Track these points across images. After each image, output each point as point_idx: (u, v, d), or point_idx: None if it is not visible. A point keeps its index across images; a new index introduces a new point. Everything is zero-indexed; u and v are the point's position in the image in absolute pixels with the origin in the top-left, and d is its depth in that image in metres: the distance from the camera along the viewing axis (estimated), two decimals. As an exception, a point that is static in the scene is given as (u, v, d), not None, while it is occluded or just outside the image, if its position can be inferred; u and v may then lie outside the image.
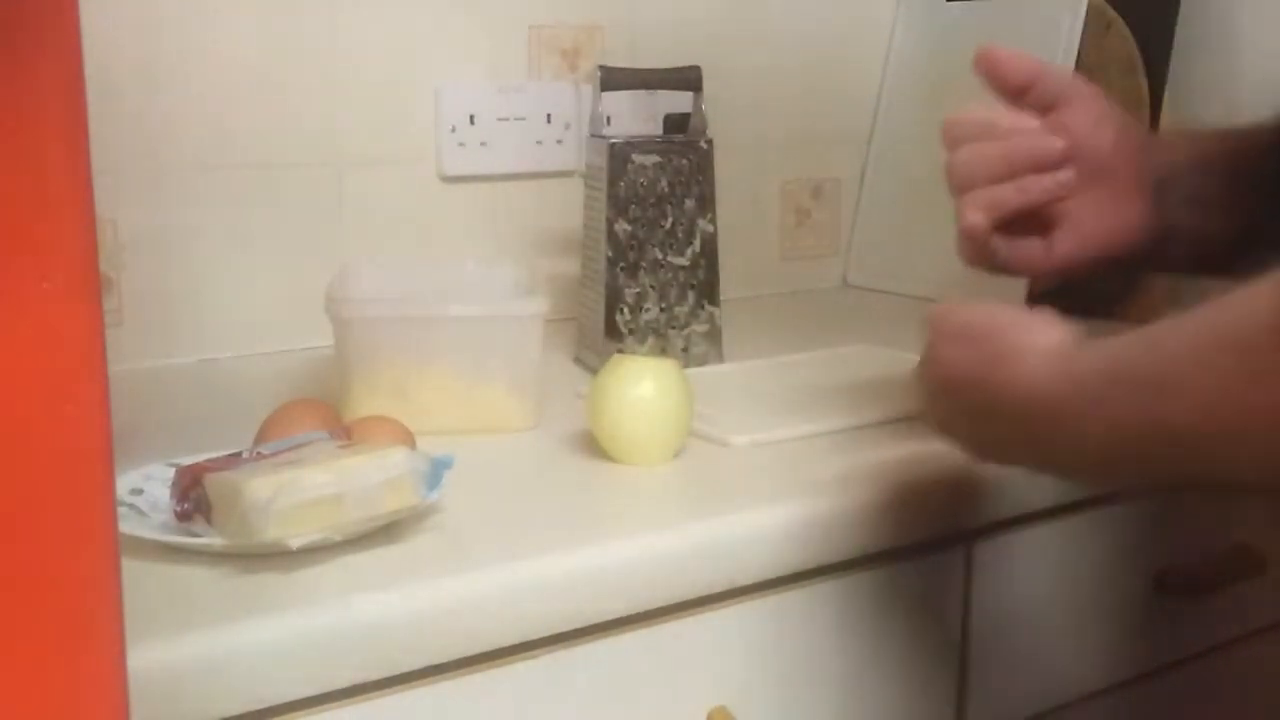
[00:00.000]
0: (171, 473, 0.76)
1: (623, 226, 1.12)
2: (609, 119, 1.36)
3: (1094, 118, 0.90)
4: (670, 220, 1.13)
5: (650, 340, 1.13)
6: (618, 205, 1.12)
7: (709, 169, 1.14)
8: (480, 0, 1.32)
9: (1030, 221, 0.91)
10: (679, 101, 1.19)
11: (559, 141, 1.37)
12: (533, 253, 1.36)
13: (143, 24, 1.15)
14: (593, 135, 1.16)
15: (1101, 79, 1.39)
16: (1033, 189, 0.89)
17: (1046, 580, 0.98)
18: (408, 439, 0.83)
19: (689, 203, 1.13)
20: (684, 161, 1.13)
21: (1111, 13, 1.39)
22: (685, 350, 1.14)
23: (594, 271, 1.14)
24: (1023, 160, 0.89)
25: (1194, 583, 1.05)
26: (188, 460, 0.78)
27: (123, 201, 1.16)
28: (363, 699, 0.69)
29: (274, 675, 0.65)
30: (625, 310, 1.12)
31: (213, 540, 0.70)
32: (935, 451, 0.92)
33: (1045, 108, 0.91)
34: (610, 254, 1.12)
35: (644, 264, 1.12)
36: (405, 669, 0.69)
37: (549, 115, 1.37)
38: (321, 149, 1.25)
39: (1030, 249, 0.92)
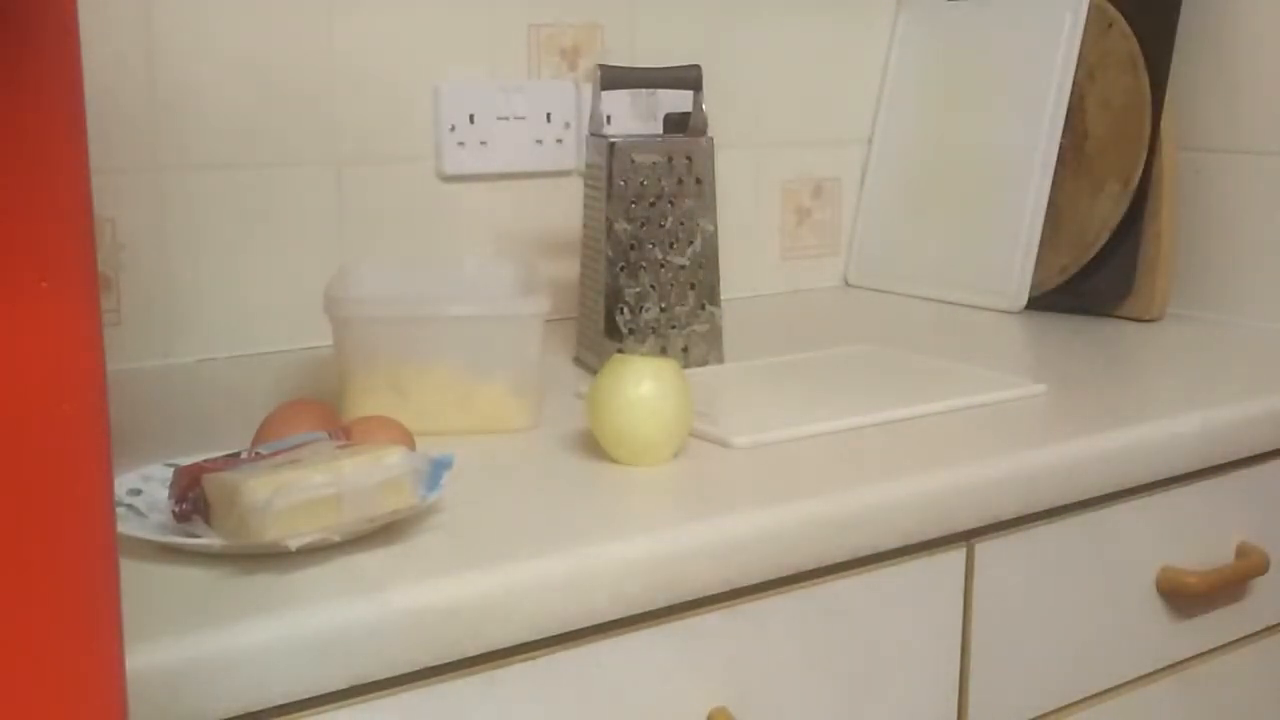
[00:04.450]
0: (170, 473, 0.76)
1: (623, 226, 1.12)
2: (609, 118, 1.36)
3: None
4: (670, 220, 1.13)
5: (650, 340, 1.13)
6: (618, 205, 1.11)
7: (709, 169, 1.14)
8: (480, -1, 1.33)
9: None
10: (679, 101, 1.19)
11: (559, 141, 1.37)
12: (533, 253, 1.36)
13: (142, 24, 1.15)
14: (593, 134, 1.15)
15: (1102, 78, 1.39)
16: None
17: (1046, 580, 0.98)
18: (407, 439, 0.83)
19: (689, 202, 1.13)
20: (684, 161, 1.13)
21: (1113, 12, 1.39)
22: (685, 350, 1.14)
23: (594, 271, 1.14)
24: None
25: (1194, 583, 1.05)
26: (186, 460, 0.77)
27: (122, 201, 1.16)
28: (362, 699, 0.69)
29: (273, 675, 0.65)
30: (625, 310, 1.12)
31: (211, 541, 0.70)
32: (935, 451, 0.93)
33: None
34: (610, 254, 1.12)
35: (644, 264, 1.12)
36: (405, 669, 0.69)
37: (549, 114, 1.36)
38: (321, 149, 1.25)
39: None
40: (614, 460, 0.89)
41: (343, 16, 1.25)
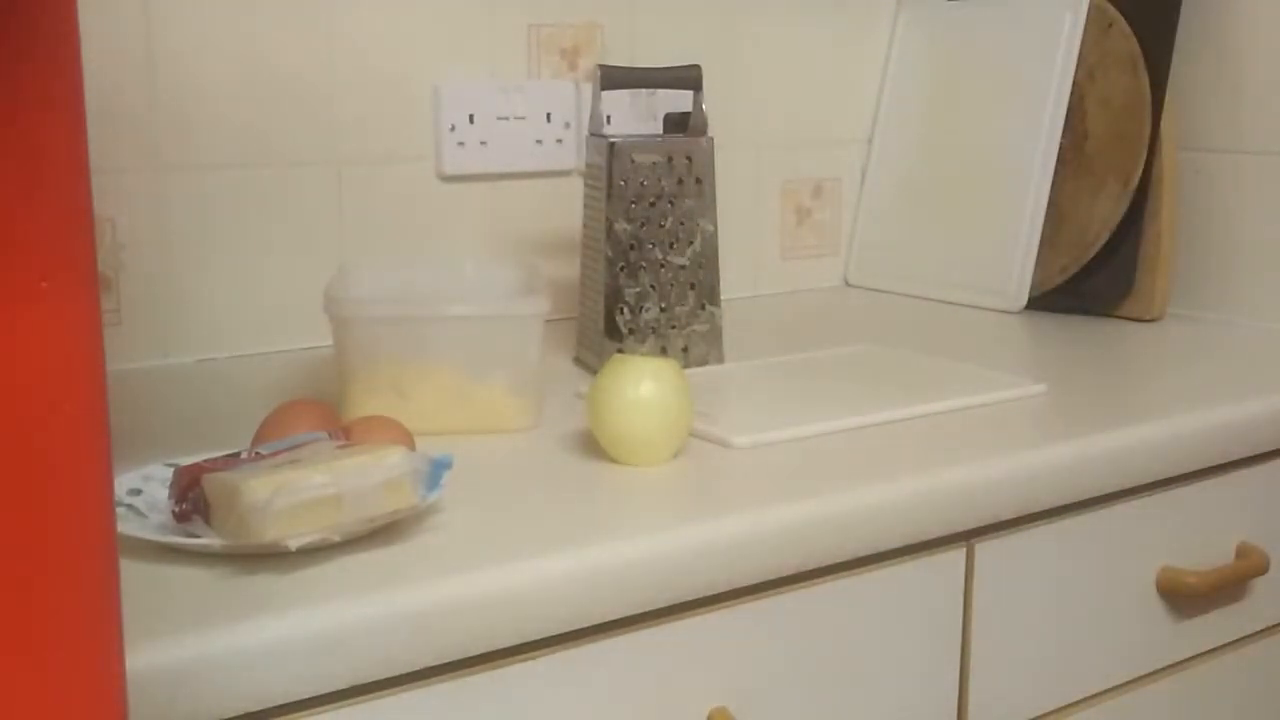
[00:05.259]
0: (170, 473, 0.76)
1: (623, 226, 1.12)
2: (609, 118, 1.36)
3: None
4: (670, 220, 1.13)
5: (650, 340, 1.13)
6: (618, 205, 1.11)
7: (709, 168, 1.14)
8: (480, -1, 1.33)
9: None
10: (679, 101, 1.19)
11: (559, 141, 1.37)
12: (533, 253, 1.36)
13: (142, 24, 1.15)
14: (593, 134, 1.15)
15: (1102, 79, 1.39)
16: None
17: (1047, 580, 0.98)
18: (407, 439, 0.83)
19: (689, 202, 1.13)
20: (684, 161, 1.13)
21: (1113, 12, 1.39)
22: (685, 350, 1.14)
23: (594, 271, 1.14)
24: None
25: (1194, 583, 1.04)
26: (186, 460, 0.78)
27: (122, 201, 1.16)
28: (363, 699, 0.69)
29: (273, 675, 0.65)
30: (625, 310, 1.12)
31: (211, 541, 0.70)
32: (935, 451, 0.93)
33: None
34: (610, 254, 1.12)
35: (644, 264, 1.12)
36: (405, 669, 0.69)
37: (549, 114, 1.36)
38: (321, 148, 1.25)
39: None
40: (614, 460, 0.89)
41: (343, 16, 1.25)
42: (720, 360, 1.16)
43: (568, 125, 1.38)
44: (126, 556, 0.54)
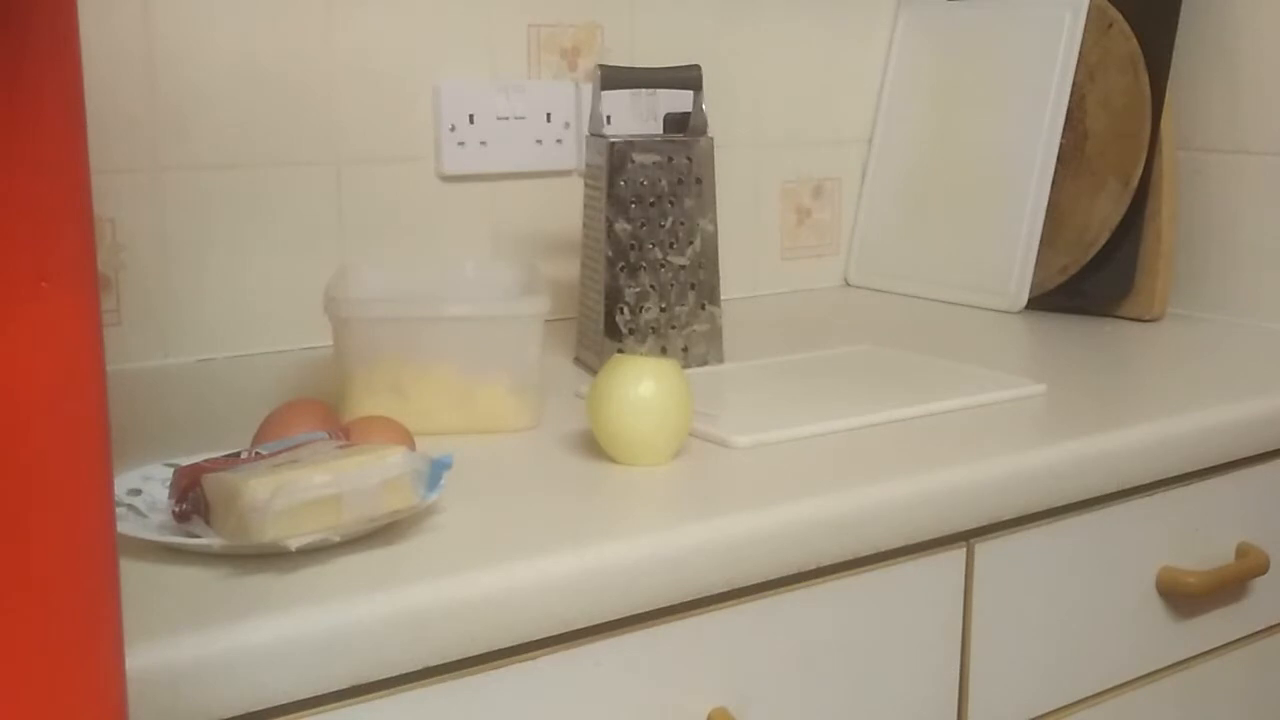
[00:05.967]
0: (170, 473, 0.76)
1: (623, 226, 1.12)
2: (609, 118, 1.36)
3: None
4: (670, 220, 1.13)
5: (650, 340, 1.13)
6: (618, 205, 1.11)
7: (709, 168, 1.14)
8: (480, -1, 1.33)
9: None
10: (679, 101, 1.19)
11: (559, 141, 1.37)
12: (533, 253, 1.36)
13: (142, 24, 1.15)
14: (592, 134, 1.15)
15: (1102, 79, 1.39)
16: None
17: (1047, 580, 0.98)
18: (407, 439, 0.83)
19: (689, 202, 1.13)
20: (684, 161, 1.13)
21: (1113, 12, 1.39)
22: (685, 350, 1.14)
23: (594, 271, 1.14)
24: None
25: (1194, 583, 1.04)
26: (186, 460, 0.77)
27: (122, 201, 1.16)
28: (362, 699, 0.69)
29: (273, 675, 0.65)
30: (625, 310, 1.12)
31: (211, 541, 0.70)
32: (935, 451, 0.93)
33: None
34: (610, 254, 1.12)
35: (644, 264, 1.12)
36: (404, 669, 0.69)
37: (549, 114, 1.36)
38: (321, 148, 1.25)
39: None
40: (614, 460, 0.89)
41: (342, 17, 1.25)
42: (720, 360, 1.16)
43: (568, 125, 1.38)
44: (126, 556, 0.54)
